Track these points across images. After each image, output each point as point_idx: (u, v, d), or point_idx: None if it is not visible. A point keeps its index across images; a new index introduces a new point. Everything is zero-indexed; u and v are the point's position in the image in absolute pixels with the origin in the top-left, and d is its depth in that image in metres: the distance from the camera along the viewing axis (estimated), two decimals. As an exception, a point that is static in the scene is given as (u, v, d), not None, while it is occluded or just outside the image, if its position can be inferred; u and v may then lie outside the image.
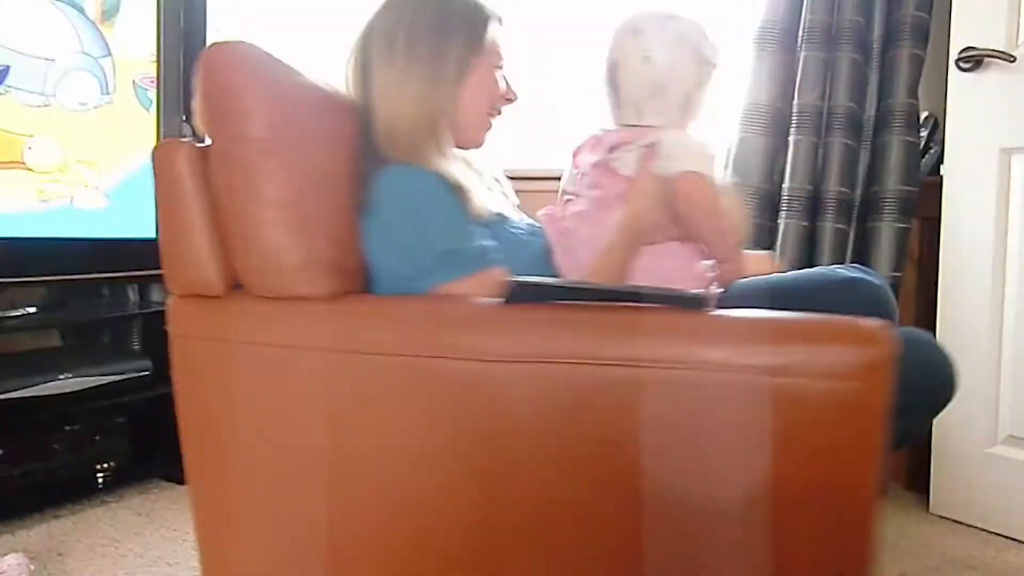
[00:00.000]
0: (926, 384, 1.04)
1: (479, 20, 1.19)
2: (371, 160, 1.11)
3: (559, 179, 1.35)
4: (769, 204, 2.00)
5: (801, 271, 1.26)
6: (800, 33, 1.98)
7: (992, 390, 1.78)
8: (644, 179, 1.20)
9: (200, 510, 1.14)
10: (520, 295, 0.92)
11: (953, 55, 1.81)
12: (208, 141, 1.06)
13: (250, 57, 1.04)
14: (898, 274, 1.95)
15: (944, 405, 1.09)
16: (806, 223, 1.97)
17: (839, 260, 1.95)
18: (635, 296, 0.94)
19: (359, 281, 1.10)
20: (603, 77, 1.28)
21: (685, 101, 1.25)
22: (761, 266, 1.44)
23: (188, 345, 1.10)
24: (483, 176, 1.29)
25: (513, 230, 1.21)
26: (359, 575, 1.01)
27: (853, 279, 1.14)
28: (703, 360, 0.84)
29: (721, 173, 1.24)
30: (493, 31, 1.20)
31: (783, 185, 1.99)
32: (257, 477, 1.06)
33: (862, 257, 1.97)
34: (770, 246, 1.98)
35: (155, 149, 1.10)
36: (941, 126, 1.96)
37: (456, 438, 0.94)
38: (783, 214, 1.98)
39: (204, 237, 1.06)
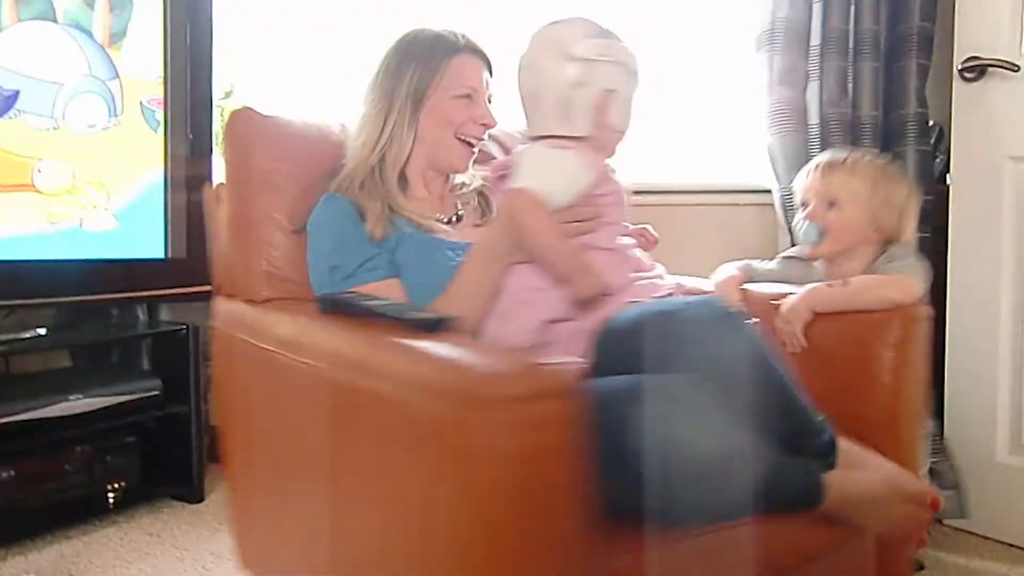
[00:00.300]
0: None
1: (437, 53, 1.29)
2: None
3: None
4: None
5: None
6: (819, 40, 1.98)
7: (1005, 400, 1.77)
8: (501, 196, 1.26)
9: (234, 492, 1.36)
10: (328, 306, 1.10)
11: (957, 65, 1.81)
12: None
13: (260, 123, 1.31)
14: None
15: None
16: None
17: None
18: (378, 314, 1.02)
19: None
20: None
21: (563, 105, 1.19)
22: (729, 286, 1.49)
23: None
24: (463, 196, 1.37)
25: (448, 250, 1.24)
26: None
27: (707, 301, 1.07)
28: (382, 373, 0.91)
29: (574, 190, 1.18)
30: (457, 62, 1.29)
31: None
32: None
33: None
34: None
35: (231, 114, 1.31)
36: (946, 135, 1.96)
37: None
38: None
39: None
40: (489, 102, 1.33)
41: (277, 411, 1.17)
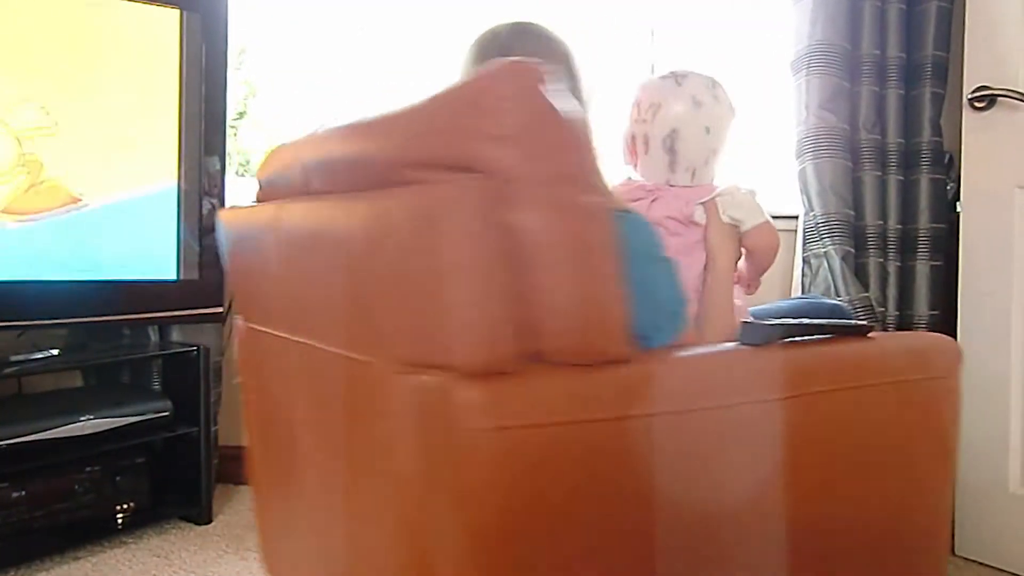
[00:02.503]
0: None
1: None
2: None
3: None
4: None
5: (793, 300, 1.49)
6: (855, 64, 1.99)
7: (1018, 430, 1.76)
8: (720, 227, 1.33)
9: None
10: (750, 337, 0.99)
11: (966, 94, 1.81)
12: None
13: (541, 84, 0.83)
14: (935, 312, 1.95)
15: None
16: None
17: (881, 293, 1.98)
18: (842, 329, 1.13)
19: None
20: (656, 140, 1.35)
21: (708, 156, 1.38)
22: None
23: (505, 439, 0.79)
24: None
25: None
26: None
27: (840, 305, 1.51)
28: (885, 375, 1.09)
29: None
30: None
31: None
32: None
33: (902, 296, 2.00)
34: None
35: (427, 193, 0.83)
36: (957, 163, 1.96)
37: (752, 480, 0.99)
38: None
39: (499, 297, 0.79)
40: None
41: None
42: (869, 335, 1.11)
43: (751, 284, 1.44)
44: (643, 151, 1.37)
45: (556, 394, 0.82)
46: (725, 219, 1.33)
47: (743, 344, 0.98)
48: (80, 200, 1.83)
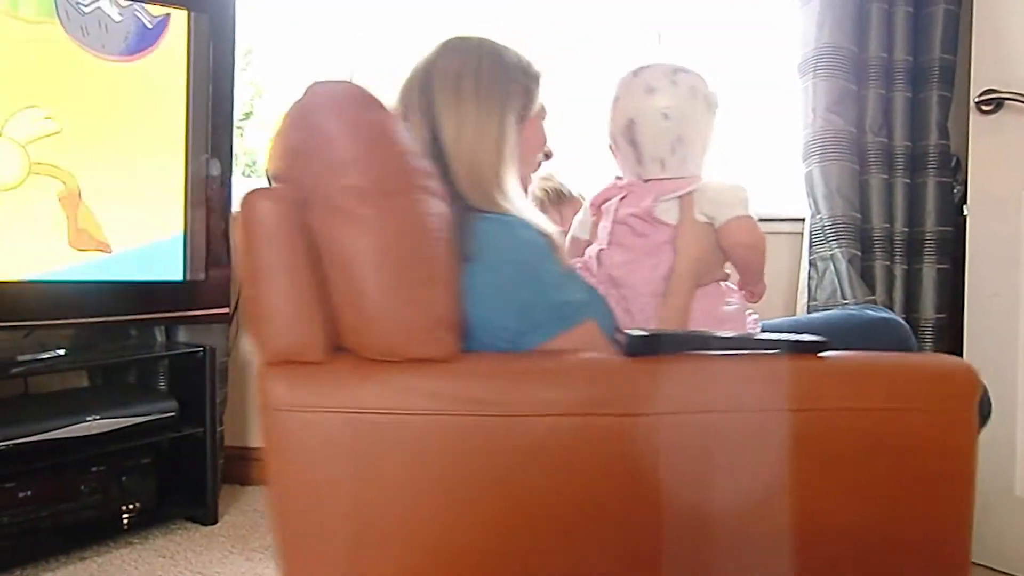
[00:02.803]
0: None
1: (532, 73, 1.20)
2: (459, 208, 1.06)
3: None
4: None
5: (834, 312, 1.34)
6: (863, 67, 1.99)
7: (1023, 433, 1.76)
8: (692, 226, 1.24)
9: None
10: (640, 348, 0.94)
11: (973, 97, 1.81)
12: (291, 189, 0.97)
13: (359, 101, 0.96)
14: (942, 315, 1.95)
15: (981, 427, 1.13)
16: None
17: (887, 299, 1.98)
18: (758, 344, 1.03)
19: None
20: (617, 133, 1.30)
21: (703, 148, 1.30)
22: None
23: (292, 420, 0.93)
24: None
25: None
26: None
27: (886, 319, 1.29)
28: (828, 404, 0.94)
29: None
30: (540, 86, 1.23)
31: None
32: (395, 558, 0.95)
33: (908, 299, 1.99)
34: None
35: (244, 199, 0.95)
36: (964, 166, 1.96)
37: (608, 496, 0.93)
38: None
39: (303, 297, 0.93)
40: None
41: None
42: (822, 354, 0.96)
43: (748, 289, 1.33)
44: (615, 149, 1.32)
45: (345, 384, 0.93)
46: (699, 217, 1.25)
47: (624, 353, 0.95)
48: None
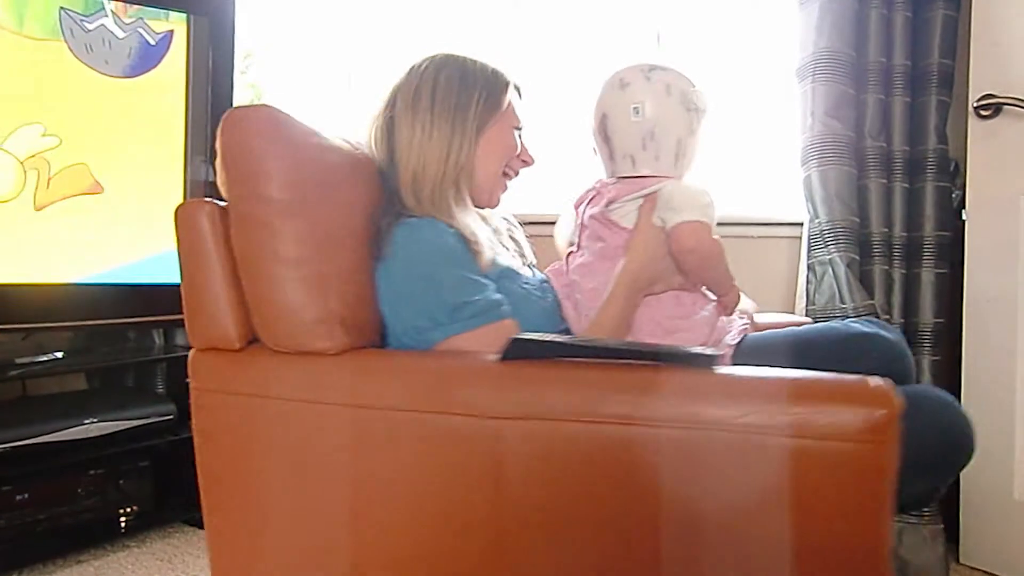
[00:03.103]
0: (940, 445, 1.04)
1: (498, 82, 1.24)
2: (391, 214, 1.16)
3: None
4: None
5: (816, 325, 1.27)
6: (862, 72, 1.99)
7: (1022, 438, 1.76)
8: (644, 230, 1.22)
9: (218, 556, 1.17)
10: (516, 352, 0.96)
11: (972, 102, 1.82)
12: (227, 201, 1.12)
13: (271, 120, 1.08)
14: (940, 320, 1.95)
15: (960, 466, 1.08)
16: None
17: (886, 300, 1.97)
18: (636, 354, 0.98)
19: (374, 333, 1.14)
20: (593, 130, 1.30)
21: (677, 149, 1.26)
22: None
23: (208, 398, 1.14)
24: (500, 233, 1.33)
25: (524, 286, 1.23)
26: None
27: (868, 335, 1.18)
28: (702, 420, 0.86)
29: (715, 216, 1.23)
30: (511, 94, 1.26)
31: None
32: (275, 525, 1.11)
33: (907, 303, 1.98)
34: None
35: (178, 208, 1.14)
36: (962, 171, 1.96)
37: (461, 492, 0.97)
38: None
39: (223, 293, 1.11)
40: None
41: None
42: (715, 368, 0.91)
43: (715, 296, 1.26)
44: (595, 149, 1.32)
45: (248, 370, 1.11)
46: (656, 220, 1.21)
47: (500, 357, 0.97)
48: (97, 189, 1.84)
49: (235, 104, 2.04)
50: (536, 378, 0.95)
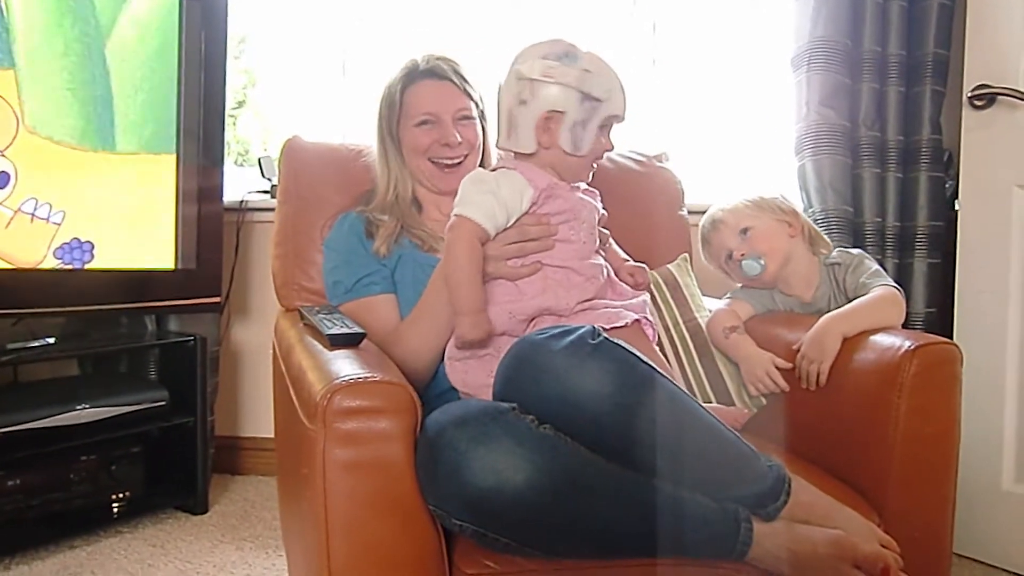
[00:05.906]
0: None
1: (395, 88, 1.43)
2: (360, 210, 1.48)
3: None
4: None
5: None
6: (857, 61, 1.99)
7: (1012, 428, 1.77)
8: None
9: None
10: (338, 340, 1.14)
11: (966, 92, 1.82)
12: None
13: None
14: (932, 310, 1.96)
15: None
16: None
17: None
18: (315, 328, 1.22)
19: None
20: None
21: (508, 121, 1.22)
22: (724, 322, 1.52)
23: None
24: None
25: (417, 272, 1.37)
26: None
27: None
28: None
29: (511, 212, 1.20)
30: (412, 91, 1.43)
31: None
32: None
33: None
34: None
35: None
36: (956, 161, 1.96)
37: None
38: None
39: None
40: (467, 118, 1.43)
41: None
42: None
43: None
44: None
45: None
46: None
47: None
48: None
49: (227, 89, 2.03)
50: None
